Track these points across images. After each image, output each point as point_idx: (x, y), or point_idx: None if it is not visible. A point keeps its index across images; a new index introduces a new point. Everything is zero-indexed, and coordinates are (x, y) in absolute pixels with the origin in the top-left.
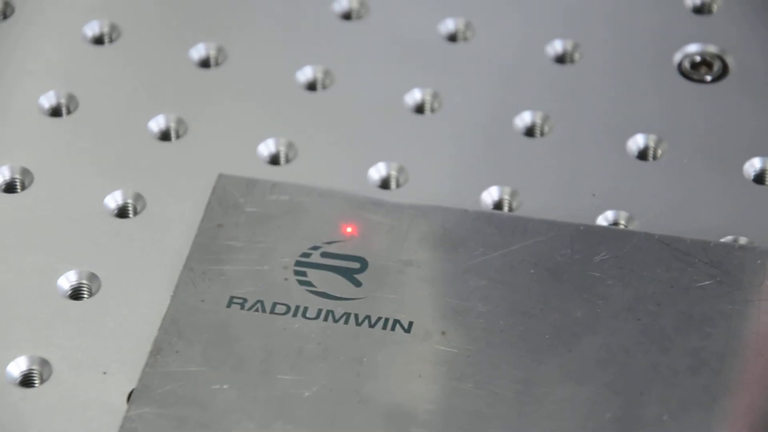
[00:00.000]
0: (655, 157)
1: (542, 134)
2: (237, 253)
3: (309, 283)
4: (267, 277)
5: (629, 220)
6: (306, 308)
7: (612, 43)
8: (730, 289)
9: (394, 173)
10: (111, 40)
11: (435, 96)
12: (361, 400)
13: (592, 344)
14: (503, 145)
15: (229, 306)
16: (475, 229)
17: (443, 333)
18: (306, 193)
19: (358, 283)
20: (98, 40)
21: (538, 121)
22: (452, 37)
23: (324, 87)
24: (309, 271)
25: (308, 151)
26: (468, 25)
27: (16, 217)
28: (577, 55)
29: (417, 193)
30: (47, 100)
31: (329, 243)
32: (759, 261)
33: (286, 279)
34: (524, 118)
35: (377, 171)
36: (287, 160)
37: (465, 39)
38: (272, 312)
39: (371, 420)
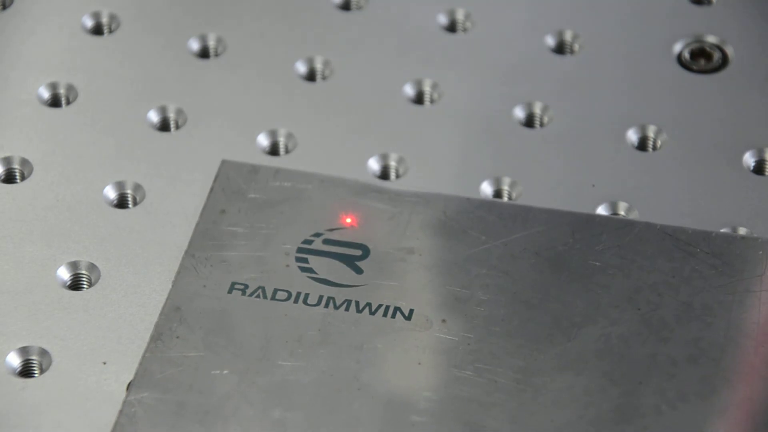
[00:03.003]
0: (654, 148)
1: (542, 125)
2: (239, 239)
3: (310, 270)
4: (269, 263)
5: (629, 210)
6: (307, 295)
7: (612, 34)
8: (731, 280)
9: (393, 164)
10: (110, 31)
11: (434, 86)
12: (360, 387)
13: (591, 334)
14: (503, 135)
15: (230, 292)
16: (477, 218)
17: (444, 321)
18: (309, 179)
19: (359, 270)
20: (97, 30)
21: (538, 111)
22: (452, 28)
23: (323, 77)
24: (311, 257)
25: (308, 142)
26: (468, 16)
27: (15, 208)
28: (576, 46)
29: (416, 184)
30: (46, 91)
31: (331, 230)
32: (760, 252)
33: (287, 265)
34: (524, 109)
35: (377, 161)
36: (287, 151)
37: (464, 29)
38: (273, 298)
39: (371, 407)
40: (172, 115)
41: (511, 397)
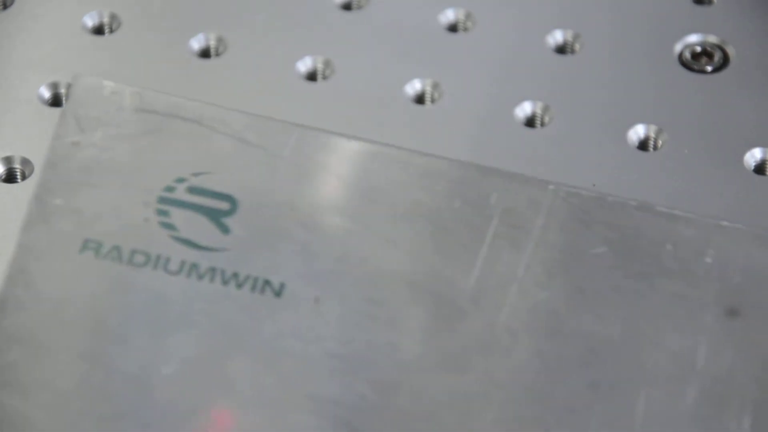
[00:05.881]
0: (655, 148)
1: (542, 125)
2: (93, 181)
3: (172, 226)
4: (126, 215)
5: None
6: (168, 259)
7: (612, 33)
8: (623, 260)
9: None
10: (111, 30)
11: (435, 86)
12: (225, 379)
13: (476, 323)
14: (503, 135)
15: (82, 251)
16: (366, 166)
17: (316, 300)
18: (178, 108)
19: (226, 230)
20: (98, 30)
21: (539, 111)
22: (453, 28)
23: (324, 77)
24: (172, 210)
25: None
26: (468, 16)
27: (16, 207)
28: (577, 46)
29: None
30: (47, 90)
31: (197, 175)
32: (658, 227)
33: (146, 219)
34: (524, 109)
35: None
36: None
37: (465, 29)
38: (130, 262)
39: (238, 403)
40: None
41: (387, 401)
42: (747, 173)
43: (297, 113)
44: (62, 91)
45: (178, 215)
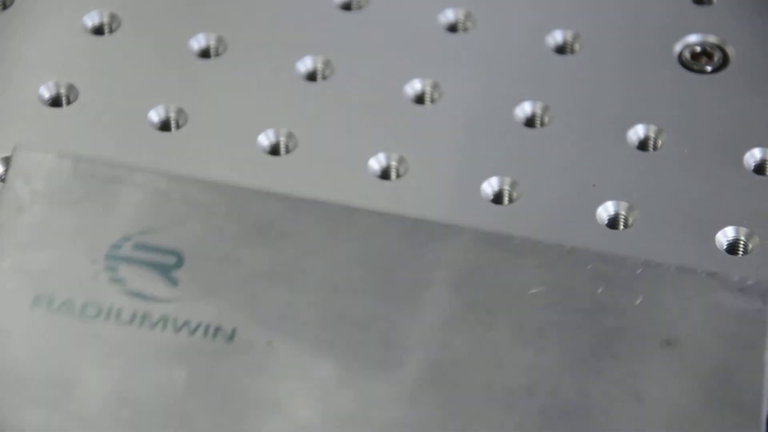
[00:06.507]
0: (655, 148)
1: (542, 125)
2: (41, 243)
3: (121, 281)
4: (75, 272)
5: (629, 210)
6: (119, 311)
7: (612, 34)
8: (560, 298)
9: (394, 164)
10: (111, 31)
11: (435, 86)
12: (183, 422)
13: (424, 360)
14: (503, 135)
15: (34, 307)
16: (299, 221)
17: (269, 343)
18: (114, 173)
19: (174, 282)
20: (98, 30)
21: (539, 111)
22: (452, 28)
23: (324, 77)
24: (120, 265)
25: (308, 142)
26: (468, 16)
27: None
28: (577, 46)
29: (417, 184)
30: (47, 90)
31: (142, 233)
32: (589, 266)
33: (95, 275)
34: (524, 109)
35: (377, 161)
36: (287, 151)
37: (465, 29)
38: (82, 314)
39: None
40: (172, 115)
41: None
42: (747, 173)
43: (297, 113)
44: (62, 91)
45: (126, 270)
